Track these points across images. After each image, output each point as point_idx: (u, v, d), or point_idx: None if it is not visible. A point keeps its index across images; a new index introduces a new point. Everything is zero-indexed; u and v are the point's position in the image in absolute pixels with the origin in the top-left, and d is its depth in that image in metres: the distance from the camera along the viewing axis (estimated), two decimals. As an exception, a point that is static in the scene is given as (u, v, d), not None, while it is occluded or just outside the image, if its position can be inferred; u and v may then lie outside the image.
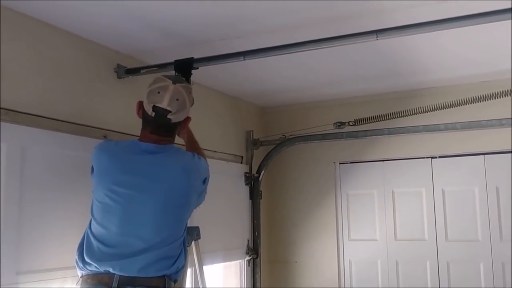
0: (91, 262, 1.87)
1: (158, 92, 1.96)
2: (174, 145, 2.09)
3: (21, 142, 2.06)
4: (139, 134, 2.05)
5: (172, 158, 2.01)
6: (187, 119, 2.09)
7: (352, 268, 3.88)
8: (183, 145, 2.30)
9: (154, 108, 1.96)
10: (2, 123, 2.00)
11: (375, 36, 2.14)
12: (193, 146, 2.31)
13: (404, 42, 2.60)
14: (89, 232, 1.94)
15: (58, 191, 2.21)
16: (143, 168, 1.95)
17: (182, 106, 1.99)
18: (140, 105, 2.03)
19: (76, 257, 1.93)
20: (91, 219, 1.96)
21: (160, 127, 2.01)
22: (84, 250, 1.91)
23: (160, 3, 2.15)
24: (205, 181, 2.11)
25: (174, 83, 1.99)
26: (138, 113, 2.05)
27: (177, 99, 1.97)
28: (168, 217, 1.95)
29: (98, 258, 1.87)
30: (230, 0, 2.14)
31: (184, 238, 2.04)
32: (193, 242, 2.29)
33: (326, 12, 2.29)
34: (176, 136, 2.16)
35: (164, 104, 1.95)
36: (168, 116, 1.96)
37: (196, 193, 2.06)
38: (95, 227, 1.93)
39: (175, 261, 1.96)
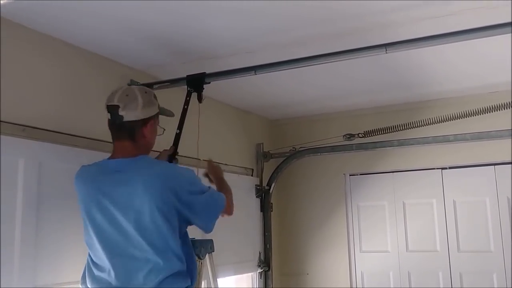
0: None
1: (112, 93, 1.94)
2: (147, 156, 1.95)
3: (38, 158, 2.10)
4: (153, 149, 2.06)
5: (137, 173, 1.84)
6: (150, 121, 1.94)
7: (364, 280, 3.87)
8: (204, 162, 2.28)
9: (107, 108, 1.92)
10: (19, 139, 2.05)
11: (384, 49, 2.17)
12: (218, 184, 2.28)
13: (410, 55, 2.63)
14: (88, 260, 1.93)
15: (75, 206, 2.23)
16: (111, 190, 1.86)
17: (133, 101, 1.89)
18: None
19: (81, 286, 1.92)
20: None
21: (119, 130, 1.92)
22: (87, 278, 1.90)
23: (172, 21, 2.20)
24: (193, 192, 1.89)
25: (129, 85, 1.94)
26: None
27: (127, 95, 1.90)
28: (148, 234, 1.80)
29: (99, 284, 1.85)
30: (240, 17, 2.19)
31: (188, 254, 1.93)
32: (207, 255, 2.31)
33: (332, 28, 2.34)
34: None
35: (114, 101, 1.89)
36: (119, 113, 1.87)
37: (174, 205, 1.82)
38: (90, 254, 1.92)
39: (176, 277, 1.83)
